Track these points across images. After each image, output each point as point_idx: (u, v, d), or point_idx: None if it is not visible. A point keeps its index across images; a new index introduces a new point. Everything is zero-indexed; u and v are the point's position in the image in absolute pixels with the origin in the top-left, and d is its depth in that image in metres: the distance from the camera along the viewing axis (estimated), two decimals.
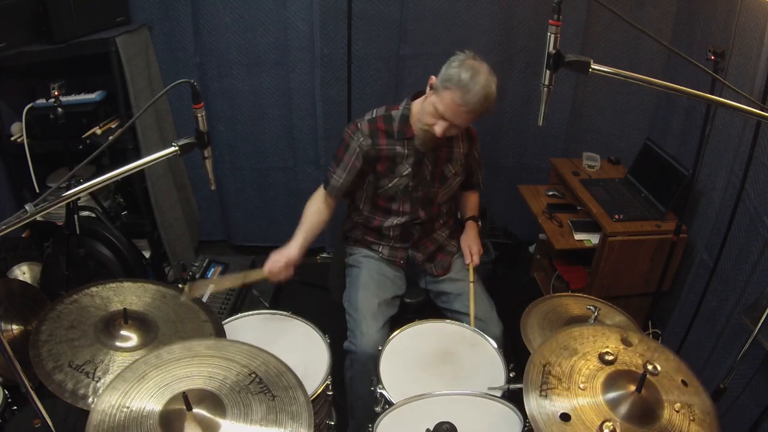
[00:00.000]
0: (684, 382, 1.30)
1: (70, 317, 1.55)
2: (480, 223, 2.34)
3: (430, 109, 1.87)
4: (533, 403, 1.23)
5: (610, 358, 1.33)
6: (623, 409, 1.22)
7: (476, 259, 2.18)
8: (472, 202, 2.36)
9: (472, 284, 2.09)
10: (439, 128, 1.87)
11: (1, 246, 2.54)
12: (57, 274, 2.48)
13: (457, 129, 1.91)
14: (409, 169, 2.04)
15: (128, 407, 1.21)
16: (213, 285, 2.30)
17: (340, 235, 2.37)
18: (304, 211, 2.09)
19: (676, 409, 1.23)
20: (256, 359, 1.36)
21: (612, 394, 1.25)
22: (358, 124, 2.03)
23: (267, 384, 1.30)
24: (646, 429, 1.19)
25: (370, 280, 2.10)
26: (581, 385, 1.27)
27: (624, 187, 2.87)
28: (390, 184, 2.06)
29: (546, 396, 1.24)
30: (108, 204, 2.94)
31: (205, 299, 1.96)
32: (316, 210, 2.09)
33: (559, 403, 1.23)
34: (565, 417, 1.20)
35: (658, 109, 3.01)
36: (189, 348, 1.37)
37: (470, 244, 2.21)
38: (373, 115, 2.06)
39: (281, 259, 1.92)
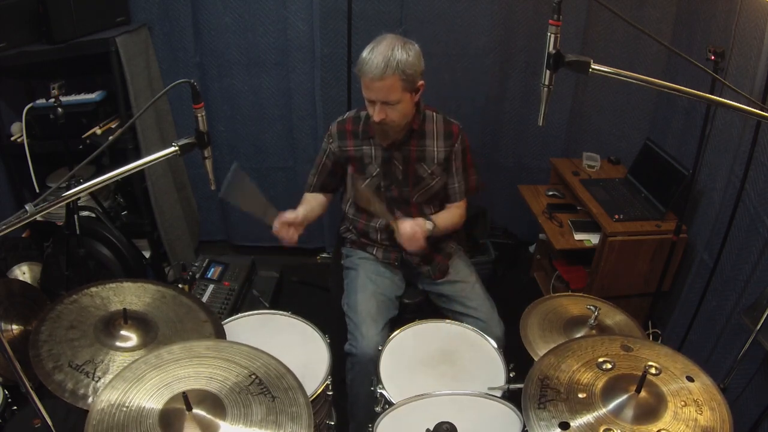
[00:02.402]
0: (689, 378, 1.30)
1: (70, 317, 1.55)
2: (431, 228, 2.02)
3: (365, 102, 1.91)
4: (531, 416, 1.23)
5: (609, 366, 1.33)
6: (623, 411, 1.22)
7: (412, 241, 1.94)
8: (444, 211, 2.15)
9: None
10: (375, 113, 1.87)
11: (1, 246, 2.53)
12: (57, 274, 2.48)
13: (394, 110, 1.87)
14: (378, 169, 2.05)
15: (128, 406, 1.21)
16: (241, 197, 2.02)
17: (337, 236, 2.37)
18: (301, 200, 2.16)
19: (681, 405, 1.23)
20: (256, 360, 1.36)
21: (611, 398, 1.25)
22: (330, 127, 2.10)
23: (267, 385, 1.30)
24: (649, 429, 1.19)
25: (368, 281, 2.10)
26: (580, 394, 1.27)
27: (624, 187, 2.87)
28: (363, 186, 2.07)
29: (544, 407, 1.24)
30: (108, 204, 2.94)
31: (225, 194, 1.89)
32: (310, 196, 2.18)
33: (558, 413, 1.23)
34: (564, 426, 1.20)
35: (658, 109, 3.01)
36: (189, 348, 1.37)
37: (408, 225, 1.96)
38: (344, 117, 2.10)
39: (288, 215, 1.94)
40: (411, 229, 1.96)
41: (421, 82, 1.89)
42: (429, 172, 2.07)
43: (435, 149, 2.05)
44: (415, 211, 2.12)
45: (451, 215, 2.15)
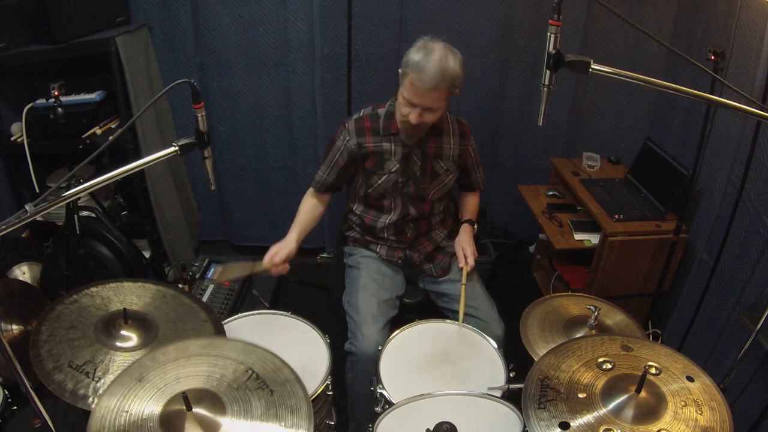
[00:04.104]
0: (689, 378, 1.30)
1: (70, 317, 1.55)
2: (476, 226, 2.27)
3: (401, 99, 1.91)
4: (531, 416, 1.23)
5: (609, 366, 1.33)
6: (623, 411, 1.22)
7: (471, 261, 2.09)
8: (470, 204, 2.32)
9: (463, 286, 2.03)
10: (413, 116, 1.88)
11: (1, 246, 2.53)
12: (57, 274, 2.48)
13: (432, 114, 1.89)
14: (397, 165, 2.05)
15: (127, 411, 1.20)
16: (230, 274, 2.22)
17: (339, 235, 2.37)
18: (298, 209, 2.19)
19: (681, 405, 1.23)
20: (251, 355, 1.36)
21: (611, 398, 1.25)
22: (346, 124, 2.09)
23: (264, 379, 1.30)
24: (649, 429, 1.19)
25: (370, 280, 2.10)
26: (580, 394, 1.27)
27: (624, 187, 2.87)
28: (380, 181, 2.08)
29: (544, 408, 1.24)
30: (108, 204, 2.94)
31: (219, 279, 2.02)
32: (309, 205, 2.19)
33: (558, 413, 1.23)
34: (564, 426, 1.20)
35: (658, 109, 3.01)
36: (183, 348, 1.37)
37: (464, 246, 2.14)
38: (360, 114, 2.09)
39: (282, 253, 1.97)
40: (469, 245, 2.14)
41: (457, 90, 1.91)
42: (445, 169, 2.10)
43: (451, 146, 2.10)
44: (427, 208, 2.14)
45: (476, 204, 2.34)
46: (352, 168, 2.13)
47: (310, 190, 2.20)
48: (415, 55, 1.83)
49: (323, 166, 2.15)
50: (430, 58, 1.80)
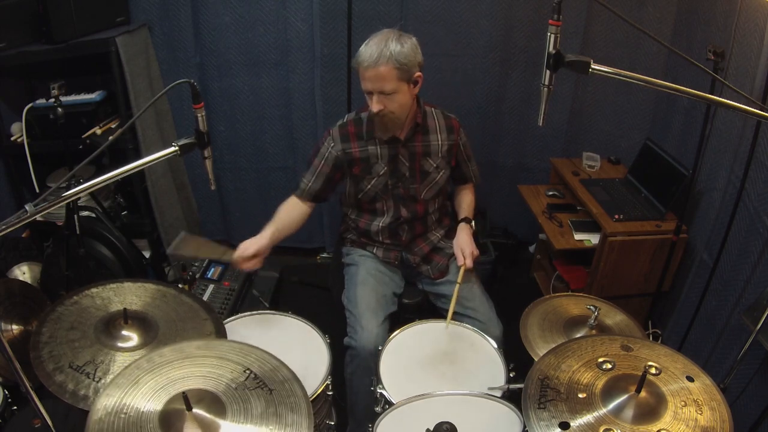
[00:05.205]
0: (689, 378, 1.30)
1: (70, 318, 1.55)
2: (473, 224, 2.21)
3: (366, 96, 1.93)
4: (531, 416, 1.23)
5: (609, 366, 1.34)
6: (623, 411, 1.22)
7: (469, 262, 2.05)
8: (465, 200, 2.29)
9: (458, 286, 2.01)
10: (373, 104, 1.89)
11: (1, 246, 2.54)
12: (57, 274, 2.48)
13: (391, 100, 1.88)
14: (385, 168, 2.05)
15: (126, 413, 1.20)
16: (192, 249, 2.01)
17: (338, 236, 2.37)
18: (276, 211, 2.09)
19: (681, 405, 1.23)
20: (248, 356, 1.36)
21: (611, 398, 1.25)
22: (330, 131, 2.08)
23: (263, 379, 1.30)
24: (649, 429, 1.19)
25: (368, 276, 2.11)
26: (580, 394, 1.27)
27: (624, 187, 2.87)
28: (369, 186, 2.08)
29: (544, 408, 1.24)
30: (108, 204, 2.94)
31: (174, 250, 1.91)
32: (287, 208, 2.11)
33: (558, 413, 1.23)
34: (564, 426, 1.20)
35: (658, 109, 3.01)
36: (180, 350, 1.37)
37: (462, 246, 2.09)
38: (344, 120, 2.09)
39: (251, 248, 1.90)
40: (468, 245, 2.09)
41: (418, 74, 1.90)
42: (434, 166, 2.09)
43: (439, 143, 2.08)
44: (421, 208, 2.13)
45: (471, 200, 2.30)
46: (338, 175, 2.10)
47: (292, 197, 2.14)
48: (362, 45, 1.87)
49: (308, 173, 2.11)
50: (369, 43, 1.85)
